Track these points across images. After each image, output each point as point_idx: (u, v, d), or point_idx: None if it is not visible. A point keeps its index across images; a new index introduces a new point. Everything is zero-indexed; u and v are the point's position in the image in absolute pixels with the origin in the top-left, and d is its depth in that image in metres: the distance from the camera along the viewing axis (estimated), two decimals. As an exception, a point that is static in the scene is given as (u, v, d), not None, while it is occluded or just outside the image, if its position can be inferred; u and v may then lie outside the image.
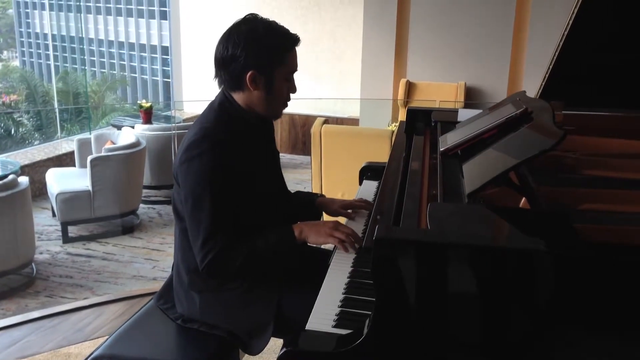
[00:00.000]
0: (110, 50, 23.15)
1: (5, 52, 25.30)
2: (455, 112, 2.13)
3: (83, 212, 4.38)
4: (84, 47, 23.41)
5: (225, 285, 1.58)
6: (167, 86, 20.60)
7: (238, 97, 1.57)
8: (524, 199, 1.37)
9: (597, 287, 1.05)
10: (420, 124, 2.18)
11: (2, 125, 12.49)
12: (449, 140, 1.66)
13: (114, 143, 4.74)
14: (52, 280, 3.82)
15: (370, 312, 1.15)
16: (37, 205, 4.98)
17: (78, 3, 23.14)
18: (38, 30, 24.79)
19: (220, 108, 1.57)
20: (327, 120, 3.61)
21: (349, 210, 1.84)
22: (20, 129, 13.19)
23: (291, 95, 1.62)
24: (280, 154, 1.90)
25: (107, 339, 1.61)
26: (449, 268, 1.07)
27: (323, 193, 1.94)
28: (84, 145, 4.95)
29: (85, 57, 23.11)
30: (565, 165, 1.65)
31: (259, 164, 1.61)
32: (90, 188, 4.35)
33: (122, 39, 22.86)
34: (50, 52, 23.41)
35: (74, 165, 5.13)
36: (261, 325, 1.56)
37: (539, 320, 1.06)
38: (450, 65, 5.83)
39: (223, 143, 1.50)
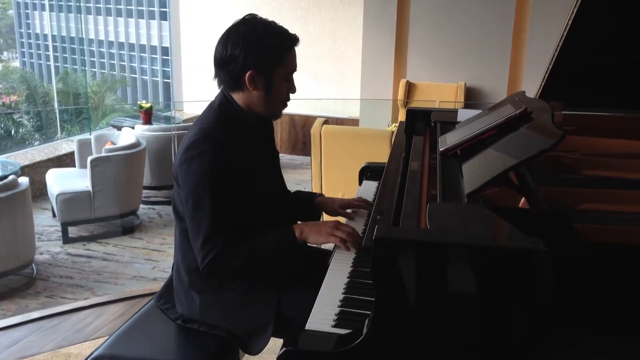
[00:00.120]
0: (110, 50, 23.16)
1: (5, 53, 25.31)
2: (454, 112, 2.13)
3: (83, 213, 4.38)
4: (84, 47, 23.42)
5: (225, 285, 1.58)
6: (167, 87, 20.61)
7: (238, 97, 1.57)
8: (523, 199, 1.37)
9: (597, 287, 1.05)
10: (420, 124, 2.19)
11: (2, 125, 12.49)
12: (448, 140, 1.66)
13: (114, 143, 4.74)
14: (52, 280, 3.82)
15: (369, 312, 1.15)
16: (37, 205, 4.98)
17: (78, 4, 23.15)
18: (38, 31, 24.80)
19: (220, 108, 1.58)
20: (327, 121, 3.62)
21: (349, 210, 1.85)
22: (21, 130, 13.20)
23: (291, 95, 1.62)
24: (280, 155, 1.90)
25: (107, 339, 1.62)
26: (449, 268, 1.07)
27: (322, 193, 1.94)
28: (84, 146, 4.95)
29: (86, 58, 23.11)
30: (564, 165, 1.65)
31: (259, 164, 1.61)
32: (90, 188, 4.35)
33: (122, 39, 22.87)
34: (51, 52, 23.42)
35: (74, 166, 5.13)
36: (261, 325, 1.56)
37: (539, 320, 1.06)
38: (450, 66, 5.83)
39: (223, 143, 1.50)
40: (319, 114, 6.34)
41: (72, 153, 5.36)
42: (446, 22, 5.76)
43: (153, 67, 22.28)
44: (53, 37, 23.78)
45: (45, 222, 4.80)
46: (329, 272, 1.49)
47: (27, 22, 25.50)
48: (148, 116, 5.57)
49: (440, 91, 5.77)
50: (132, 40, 22.66)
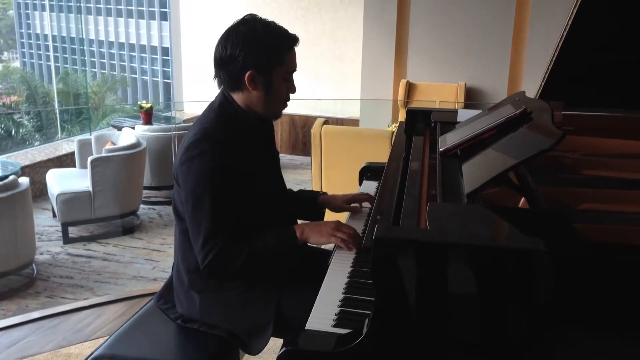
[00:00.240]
0: (110, 51, 23.16)
1: (5, 53, 25.30)
2: (454, 112, 2.13)
3: (83, 213, 4.38)
4: (84, 48, 23.42)
5: (225, 285, 1.58)
6: (167, 87, 20.61)
7: (237, 97, 1.57)
8: (523, 199, 1.37)
9: (597, 287, 1.05)
10: (420, 125, 2.19)
11: (2, 126, 12.50)
12: (448, 140, 1.66)
13: (114, 144, 4.74)
14: (52, 280, 3.83)
15: (369, 312, 1.15)
16: (37, 206, 4.98)
17: (78, 4, 23.15)
18: (38, 31, 24.80)
19: (220, 108, 1.58)
20: (327, 121, 3.62)
21: (354, 204, 1.85)
22: (21, 130, 13.19)
23: (291, 95, 1.62)
24: (281, 155, 1.90)
25: (108, 339, 1.62)
26: (449, 268, 1.07)
27: (325, 192, 1.94)
28: (85, 146, 4.96)
29: (86, 58, 23.11)
30: (564, 166, 1.65)
31: (259, 164, 1.61)
32: (90, 189, 4.36)
33: (122, 40, 22.87)
34: (51, 53, 23.42)
35: (75, 166, 5.14)
36: (261, 325, 1.56)
37: (539, 320, 1.06)
38: (450, 66, 5.83)
39: (223, 143, 1.50)
40: (319, 114, 6.35)
41: (73, 153, 5.36)
42: (446, 23, 5.76)
43: (153, 68, 22.28)
44: (53, 37, 23.78)
45: (45, 222, 4.80)
46: (329, 272, 1.49)
47: (27, 22, 25.50)
48: (148, 116, 5.57)
49: (440, 91, 5.77)
50: (133, 40, 22.66)
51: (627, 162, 1.66)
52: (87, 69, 21.91)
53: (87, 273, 3.93)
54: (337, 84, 7.29)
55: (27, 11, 25.71)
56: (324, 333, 1.21)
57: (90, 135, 5.29)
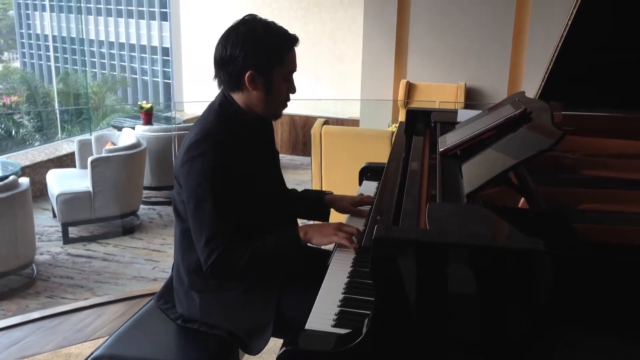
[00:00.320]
0: (110, 51, 23.16)
1: (5, 54, 25.31)
2: (454, 112, 2.13)
3: (83, 213, 4.38)
4: (85, 48, 23.42)
5: (225, 286, 1.58)
6: (167, 87, 20.60)
7: (237, 97, 1.57)
8: (523, 199, 1.37)
9: (597, 287, 1.05)
10: (420, 125, 2.19)
11: (2, 126, 12.50)
12: (448, 140, 1.66)
13: (114, 144, 4.75)
14: (52, 280, 3.83)
15: (369, 312, 1.15)
16: (37, 206, 4.98)
17: (78, 4, 23.16)
18: (39, 31, 24.80)
19: (221, 109, 1.58)
20: (328, 121, 3.62)
21: (360, 207, 1.85)
22: (21, 130, 13.19)
23: (291, 95, 1.62)
24: (281, 155, 1.91)
25: (108, 339, 1.62)
26: (448, 268, 1.07)
27: (331, 191, 1.94)
28: (85, 146, 4.96)
29: (86, 59, 23.11)
30: (564, 166, 1.65)
31: (259, 165, 1.62)
32: (90, 189, 4.36)
33: (122, 40, 22.87)
34: (51, 53, 23.42)
35: (75, 166, 5.14)
36: (261, 325, 1.56)
37: (539, 320, 1.06)
38: (450, 66, 5.83)
39: (223, 143, 1.50)
40: (319, 114, 6.35)
41: (73, 153, 5.36)
42: (446, 23, 5.76)
43: (153, 68, 22.28)
44: (53, 37, 23.78)
45: (45, 222, 4.80)
46: (328, 272, 1.49)
47: (27, 22, 25.51)
48: (148, 117, 5.57)
49: (440, 92, 5.77)
50: (133, 40, 22.66)
51: (627, 162, 1.66)
52: (87, 69, 21.91)
53: (87, 273, 3.93)
54: (337, 84, 7.29)
55: (28, 11, 25.71)
56: (324, 333, 1.21)
57: (91, 135, 5.29)
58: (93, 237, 4.50)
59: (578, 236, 1.14)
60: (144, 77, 22.57)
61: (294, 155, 6.99)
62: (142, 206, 4.93)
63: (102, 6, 23.27)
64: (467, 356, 1.11)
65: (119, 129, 5.39)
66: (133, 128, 5.22)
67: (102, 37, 23.17)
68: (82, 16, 23.71)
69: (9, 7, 25.62)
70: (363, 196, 1.91)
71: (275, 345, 1.76)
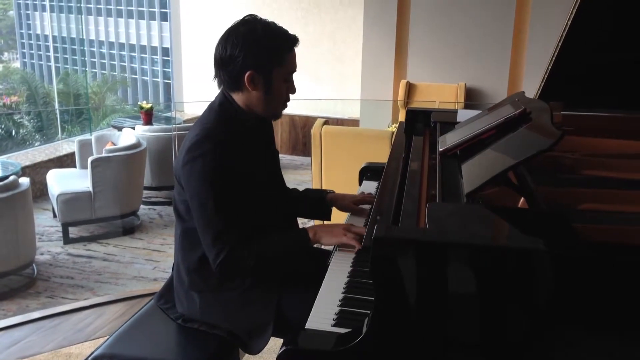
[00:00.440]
0: (110, 51, 23.15)
1: (6, 54, 25.31)
2: (454, 112, 2.14)
3: (84, 213, 4.38)
4: (85, 48, 23.42)
5: (225, 285, 1.58)
6: (167, 87, 20.60)
7: (237, 97, 1.57)
8: (522, 199, 1.37)
9: (597, 287, 1.05)
10: (420, 125, 2.19)
11: (3, 126, 12.50)
12: (448, 140, 1.66)
13: (114, 144, 4.75)
14: (52, 280, 3.83)
15: (369, 311, 1.16)
16: (37, 206, 4.98)
17: (79, 5, 23.16)
18: (39, 31, 24.79)
19: (221, 109, 1.58)
20: (328, 121, 3.62)
21: (361, 206, 1.85)
22: (21, 130, 13.19)
23: (291, 96, 1.62)
24: (281, 155, 1.91)
25: (108, 338, 1.62)
26: (448, 267, 1.07)
27: (333, 190, 1.95)
28: (85, 147, 4.96)
29: (86, 59, 23.10)
30: (564, 166, 1.65)
31: (259, 165, 1.62)
32: (90, 189, 4.36)
33: (122, 40, 22.86)
34: (51, 53, 23.42)
35: (75, 167, 5.14)
36: (261, 325, 1.57)
37: (539, 320, 1.06)
38: (450, 66, 5.83)
39: (224, 143, 1.51)
40: (319, 114, 6.35)
41: (73, 154, 5.36)
42: (446, 23, 5.76)
43: (153, 68, 22.27)
44: (54, 37, 23.78)
45: (45, 222, 4.80)
46: (328, 271, 1.49)
47: (27, 22, 25.50)
48: (148, 117, 5.57)
49: (440, 92, 5.77)
50: (133, 41, 22.66)
51: (627, 163, 1.66)
52: (87, 69, 21.90)
53: (87, 273, 3.93)
54: (337, 84, 7.29)
55: (28, 12, 25.71)
56: (324, 332, 1.21)
57: (91, 135, 5.29)
58: (93, 237, 4.50)
59: (578, 236, 1.14)
60: (144, 77, 22.56)
61: (294, 155, 6.99)
62: (142, 206, 4.93)
63: (102, 6, 23.26)
64: (467, 356, 1.11)
65: (119, 129, 5.39)
66: (133, 128, 5.22)
67: (102, 38, 23.17)
68: (82, 16, 23.71)
69: (9, 7, 25.62)
70: (364, 194, 1.91)
71: (275, 345, 1.76)
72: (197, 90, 7.78)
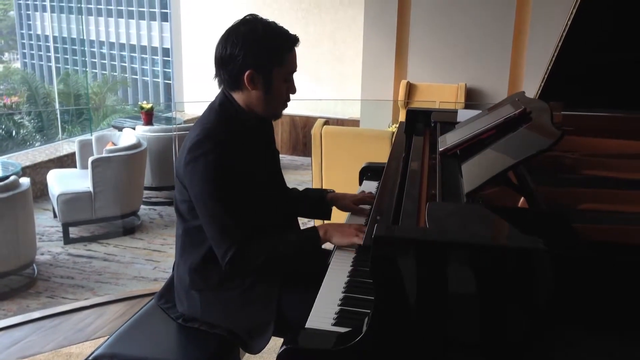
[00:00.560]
0: (111, 52, 23.15)
1: (6, 54, 25.32)
2: (454, 112, 2.14)
3: (84, 213, 4.39)
4: (85, 48, 23.42)
5: (225, 285, 1.59)
6: (168, 87, 20.60)
7: (238, 97, 1.58)
8: (522, 198, 1.37)
9: (597, 287, 1.05)
10: (420, 125, 2.19)
11: (3, 126, 12.50)
12: (448, 140, 1.67)
13: (115, 144, 4.75)
14: (53, 280, 3.83)
15: (369, 311, 1.16)
16: (38, 206, 4.99)
17: (79, 5, 23.17)
18: (39, 32, 24.80)
19: (221, 108, 1.58)
20: (328, 122, 3.62)
21: (362, 206, 1.86)
22: (22, 131, 13.19)
23: (291, 96, 1.62)
24: (281, 155, 1.91)
25: (108, 338, 1.62)
26: (448, 267, 1.07)
27: (333, 189, 1.95)
28: (85, 147, 4.96)
29: (86, 59, 23.10)
30: (564, 166, 1.65)
31: (259, 165, 1.62)
32: (91, 189, 4.36)
33: (123, 40, 22.87)
34: (52, 53, 23.42)
35: (75, 167, 5.14)
36: (262, 324, 1.57)
37: (539, 319, 1.06)
38: (450, 67, 5.84)
39: (224, 143, 1.51)
40: (320, 114, 6.35)
41: (73, 154, 5.37)
42: (446, 23, 5.77)
43: (154, 68, 22.28)
44: (54, 38, 23.79)
45: (46, 222, 4.80)
46: (329, 271, 1.50)
47: (28, 23, 25.50)
48: (149, 117, 5.58)
49: (440, 92, 5.77)
50: (133, 41, 22.66)
51: (627, 163, 1.66)
52: (87, 69, 21.90)
53: (87, 273, 3.93)
54: (337, 84, 7.29)
55: (28, 12, 25.71)
56: (324, 332, 1.21)
57: (91, 135, 5.29)
58: (94, 237, 4.51)
59: (578, 236, 1.15)
60: (144, 78, 22.57)
61: (294, 155, 7.00)
62: (142, 206, 4.93)
63: (102, 7, 23.27)
64: (466, 355, 1.11)
65: (120, 129, 5.39)
66: (133, 128, 5.22)
67: (103, 38, 23.18)
68: (83, 17, 23.72)
69: (10, 7, 25.63)
70: (365, 194, 1.92)
71: (275, 344, 1.76)
72: (198, 91, 7.78)
